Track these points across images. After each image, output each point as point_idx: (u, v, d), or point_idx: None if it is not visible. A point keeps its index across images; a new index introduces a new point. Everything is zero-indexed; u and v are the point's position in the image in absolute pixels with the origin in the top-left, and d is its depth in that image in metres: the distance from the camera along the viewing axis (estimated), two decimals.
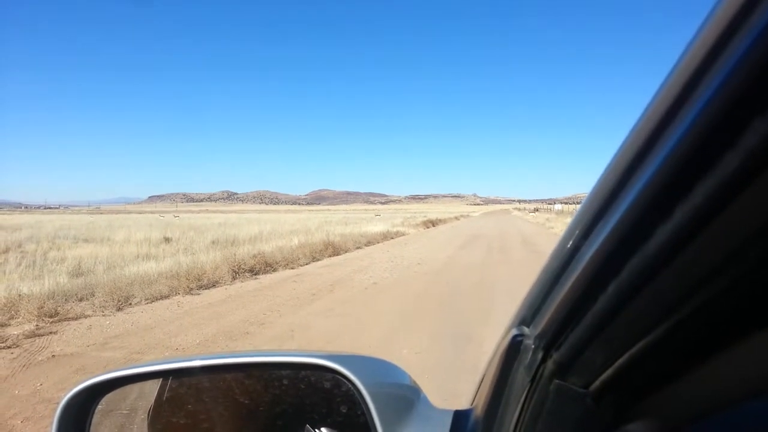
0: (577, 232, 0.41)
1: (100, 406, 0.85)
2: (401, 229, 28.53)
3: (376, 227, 26.89)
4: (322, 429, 0.78)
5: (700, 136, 0.26)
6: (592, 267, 0.37)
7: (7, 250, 14.76)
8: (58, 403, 0.76)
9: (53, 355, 5.07)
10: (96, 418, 0.83)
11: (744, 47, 0.23)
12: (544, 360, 0.47)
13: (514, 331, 0.55)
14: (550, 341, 0.46)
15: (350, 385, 0.72)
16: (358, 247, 17.55)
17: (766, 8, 0.23)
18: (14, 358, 4.96)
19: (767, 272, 0.27)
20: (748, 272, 0.28)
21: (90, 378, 0.81)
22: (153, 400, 0.87)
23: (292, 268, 11.79)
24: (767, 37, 0.22)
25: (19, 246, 16.32)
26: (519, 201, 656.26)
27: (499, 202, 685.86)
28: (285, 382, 0.83)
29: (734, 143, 0.24)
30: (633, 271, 0.33)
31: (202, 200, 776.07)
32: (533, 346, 0.50)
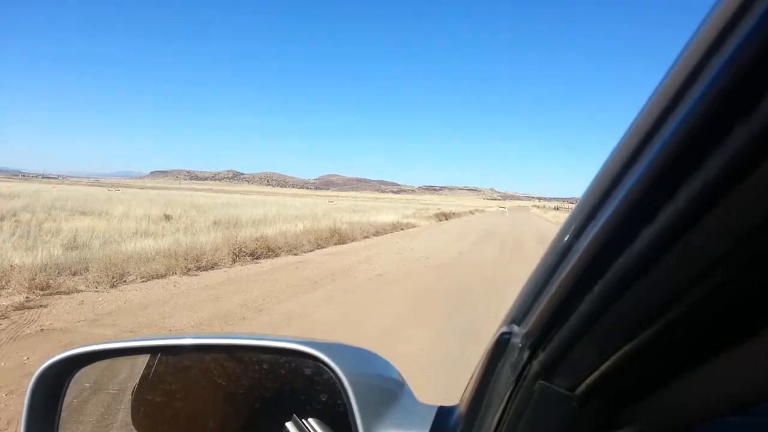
0: (571, 229, 0.40)
1: (87, 384, 0.84)
2: (412, 220, 28.18)
3: (386, 217, 26.51)
4: (309, 420, 0.76)
5: (683, 141, 0.26)
6: (579, 267, 0.37)
7: (1, 219, 14.52)
8: (32, 373, 0.76)
9: (42, 329, 4.97)
10: (75, 392, 0.81)
11: (720, 65, 0.25)
12: (530, 360, 0.46)
13: (504, 329, 0.52)
14: (536, 341, 0.44)
15: (331, 374, 0.71)
16: (365, 237, 17.25)
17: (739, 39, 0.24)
18: (1, 330, 4.87)
19: (752, 279, 0.27)
20: (730, 281, 0.27)
21: (66, 350, 0.80)
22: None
23: (296, 255, 11.56)
24: (745, 51, 0.23)
25: (14, 215, 16.03)
26: (538, 198, 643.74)
27: (518, 198, 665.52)
28: (265, 366, 0.83)
29: (717, 147, 0.24)
30: (617, 272, 0.32)
31: (206, 178, 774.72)
32: (520, 345, 0.48)
